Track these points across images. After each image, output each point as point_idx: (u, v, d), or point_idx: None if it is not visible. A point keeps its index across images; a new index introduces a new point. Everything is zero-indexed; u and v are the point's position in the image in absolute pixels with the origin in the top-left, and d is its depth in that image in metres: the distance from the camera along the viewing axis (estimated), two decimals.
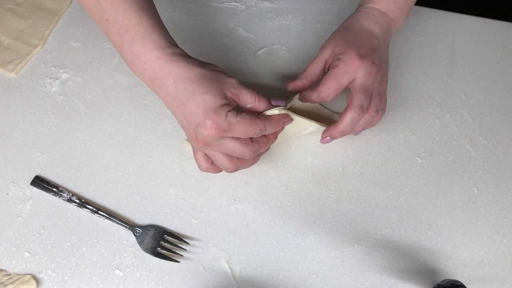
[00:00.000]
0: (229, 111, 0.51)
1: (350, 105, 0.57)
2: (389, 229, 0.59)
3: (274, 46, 0.72)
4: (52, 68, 0.69)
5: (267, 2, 0.76)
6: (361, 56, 0.57)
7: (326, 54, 0.60)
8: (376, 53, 0.58)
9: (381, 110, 0.59)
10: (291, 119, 0.57)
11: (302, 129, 0.60)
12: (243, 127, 0.51)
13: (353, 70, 0.57)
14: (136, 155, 0.63)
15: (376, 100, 0.59)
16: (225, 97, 0.51)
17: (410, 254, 0.58)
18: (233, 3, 0.76)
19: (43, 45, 0.71)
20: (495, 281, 0.56)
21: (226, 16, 0.75)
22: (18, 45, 0.70)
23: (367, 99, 0.57)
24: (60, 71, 0.69)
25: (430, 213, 0.60)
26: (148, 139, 0.64)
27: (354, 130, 0.60)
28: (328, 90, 0.57)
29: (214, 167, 0.57)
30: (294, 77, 0.69)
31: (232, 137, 0.52)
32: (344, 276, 0.56)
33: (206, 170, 0.57)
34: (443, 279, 0.54)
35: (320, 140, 0.61)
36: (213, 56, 0.70)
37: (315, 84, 0.60)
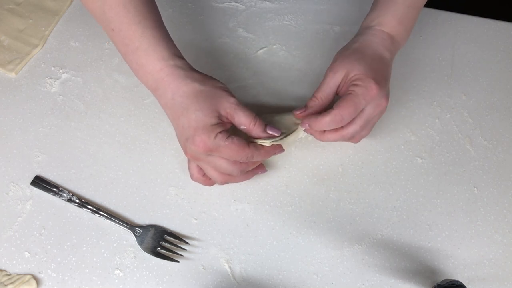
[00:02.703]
0: (220, 132, 0.51)
1: (341, 131, 0.56)
2: (389, 229, 0.59)
3: (274, 46, 0.72)
4: (52, 68, 0.69)
5: (267, 2, 0.76)
6: (379, 85, 0.54)
7: (339, 78, 0.56)
8: (387, 83, 0.57)
9: (363, 137, 0.59)
10: (283, 150, 0.56)
11: (300, 134, 0.60)
12: (230, 152, 0.51)
13: (369, 98, 0.54)
14: (136, 155, 0.63)
15: (366, 131, 0.58)
16: (219, 116, 0.52)
17: (410, 254, 0.58)
18: (233, 3, 0.76)
19: (43, 45, 0.71)
20: (495, 281, 0.56)
21: (226, 16, 0.74)
22: (18, 45, 0.70)
23: (361, 130, 0.56)
24: (60, 71, 0.69)
25: (430, 213, 0.60)
26: (148, 139, 0.64)
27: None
28: (343, 114, 0.53)
29: (205, 179, 0.57)
30: (293, 77, 0.69)
31: (220, 156, 0.52)
32: (344, 276, 0.56)
33: (196, 180, 0.58)
34: (443, 279, 0.54)
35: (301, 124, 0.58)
36: (213, 56, 0.70)
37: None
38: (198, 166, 0.56)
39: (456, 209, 0.60)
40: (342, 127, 0.56)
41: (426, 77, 0.70)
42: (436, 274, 0.57)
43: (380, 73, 0.55)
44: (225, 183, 0.56)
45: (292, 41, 0.73)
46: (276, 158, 0.63)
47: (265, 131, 0.54)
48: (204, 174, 0.57)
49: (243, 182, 0.61)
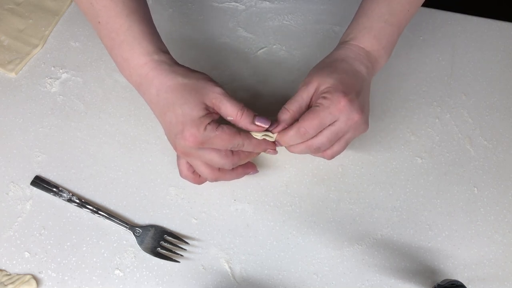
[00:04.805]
0: (209, 123, 0.50)
1: (308, 144, 0.53)
2: (389, 229, 0.59)
3: (274, 46, 0.72)
4: (52, 68, 0.69)
5: (267, 2, 0.76)
6: (348, 98, 0.52)
7: (311, 90, 0.54)
8: (360, 97, 0.54)
9: (336, 154, 0.56)
10: (275, 150, 0.54)
11: None
12: (221, 141, 0.51)
13: (337, 112, 0.52)
14: (136, 155, 0.63)
15: (338, 147, 0.55)
16: (206, 108, 0.51)
17: (410, 254, 0.58)
18: (233, 3, 0.76)
19: (43, 45, 0.71)
20: (495, 281, 0.56)
21: (226, 16, 0.75)
22: (18, 45, 0.70)
23: (330, 144, 0.54)
24: (60, 71, 0.69)
25: (430, 213, 0.60)
26: (148, 139, 0.64)
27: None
28: (308, 127, 0.52)
29: (194, 177, 0.57)
30: (293, 77, 0.69)
31: (211, 148, 0.52)
32: (344, 276, 0.56)
33: (185, 178, 0.57)
34: (443, 279, 0.54)
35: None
36: (213, 56, 0.70)
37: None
38: (187, 163, 0.56)
39: (456, 209, 0.60)
40: None
41: (426, 77, 0.70)
42: (436, 274, 0.57)
43: (352, 87, 0.53)
44: (216, 180, 0.55)
45: (292, 41, 0.73)
46: (276, 158, 0.63)
47: (253, 122, 0.52)
48: (194, 171, 0.56)
49: (243, 182, 0.61)
